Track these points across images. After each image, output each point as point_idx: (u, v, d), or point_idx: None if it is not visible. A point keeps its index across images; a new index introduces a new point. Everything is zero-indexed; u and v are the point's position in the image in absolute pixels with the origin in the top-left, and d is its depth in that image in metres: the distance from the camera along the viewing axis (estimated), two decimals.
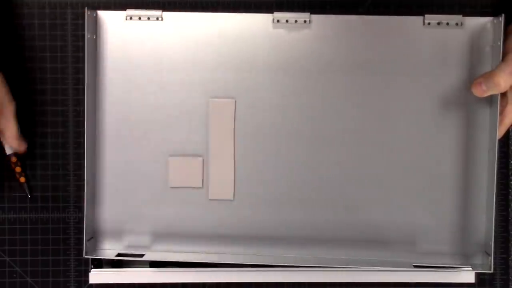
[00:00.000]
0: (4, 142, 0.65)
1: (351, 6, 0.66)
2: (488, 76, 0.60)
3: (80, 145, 0.66)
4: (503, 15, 0.62)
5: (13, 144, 0.64)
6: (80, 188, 0.66)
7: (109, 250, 0.66)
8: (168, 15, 0.65)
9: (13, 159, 0.66)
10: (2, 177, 0.66)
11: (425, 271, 0.65)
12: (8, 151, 0.66)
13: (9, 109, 0.63)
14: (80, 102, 0.66)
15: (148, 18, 0.65)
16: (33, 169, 0.67)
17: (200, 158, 0.66)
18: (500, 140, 0.65)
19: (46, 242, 0.67)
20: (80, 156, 0.66)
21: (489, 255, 0.63)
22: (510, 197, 0.67)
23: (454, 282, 0.66)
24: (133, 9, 0.65)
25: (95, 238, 0.66)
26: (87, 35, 0.63)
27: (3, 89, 0.63)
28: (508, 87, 0.60)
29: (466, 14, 0.65)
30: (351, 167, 0.65)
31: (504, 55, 0.61)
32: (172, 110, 0.65)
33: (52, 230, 0.67)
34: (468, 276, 0.66)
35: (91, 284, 0.67)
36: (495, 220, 0.63)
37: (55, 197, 0.67)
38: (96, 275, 0.66)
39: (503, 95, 0.62)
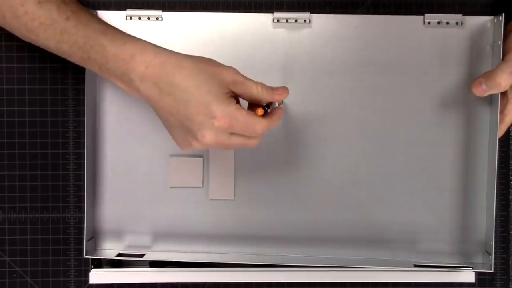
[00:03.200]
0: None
1: (351, 6, 0.66)
2: (489, 75, 0.60)
3: (80, 145, 0.66)
4: (503, 14, 0.62)
5: (269, 96, 0.56)
6: (80, 188, 0.66)
7: (109, 250, 0.66)
8: (168, 15, 0.65)
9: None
10: (1, 177, 0.67)
11: (425, 271, 0.65)
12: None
13: (233, 72, 0.56)
14: (80, 102, 0.66)
15: (148, 18, 0.65)
16: (33, 169, 0.67)
17: (200, 158, 0.66)
18: (500, 140, 0.65)
19: (46, 242, 0.67)
20: (80, 156, 0.66)
21: (490, 254, 0.63)
22: (510, 197, 0.67)
23: (454, 282, 0.66)
24: (133, 9, 0.65)
25: (95, 238, 0.66)
26: None
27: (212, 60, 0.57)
28: (509, 86, 0.60)
29: (466, 13, 0.65)
30: (351, 167, 0.65)
31: (504, 54, 0.61)
32: None
33: (52, 230, 0.67)
34: (468, 276, 0.66)
35: (91, 284, 0.67)
36: (495, 220, 0.63)
37: (55, 197, 0.67)
38: (96, 275, 0.66)
39: (504, 94, 0.62)
